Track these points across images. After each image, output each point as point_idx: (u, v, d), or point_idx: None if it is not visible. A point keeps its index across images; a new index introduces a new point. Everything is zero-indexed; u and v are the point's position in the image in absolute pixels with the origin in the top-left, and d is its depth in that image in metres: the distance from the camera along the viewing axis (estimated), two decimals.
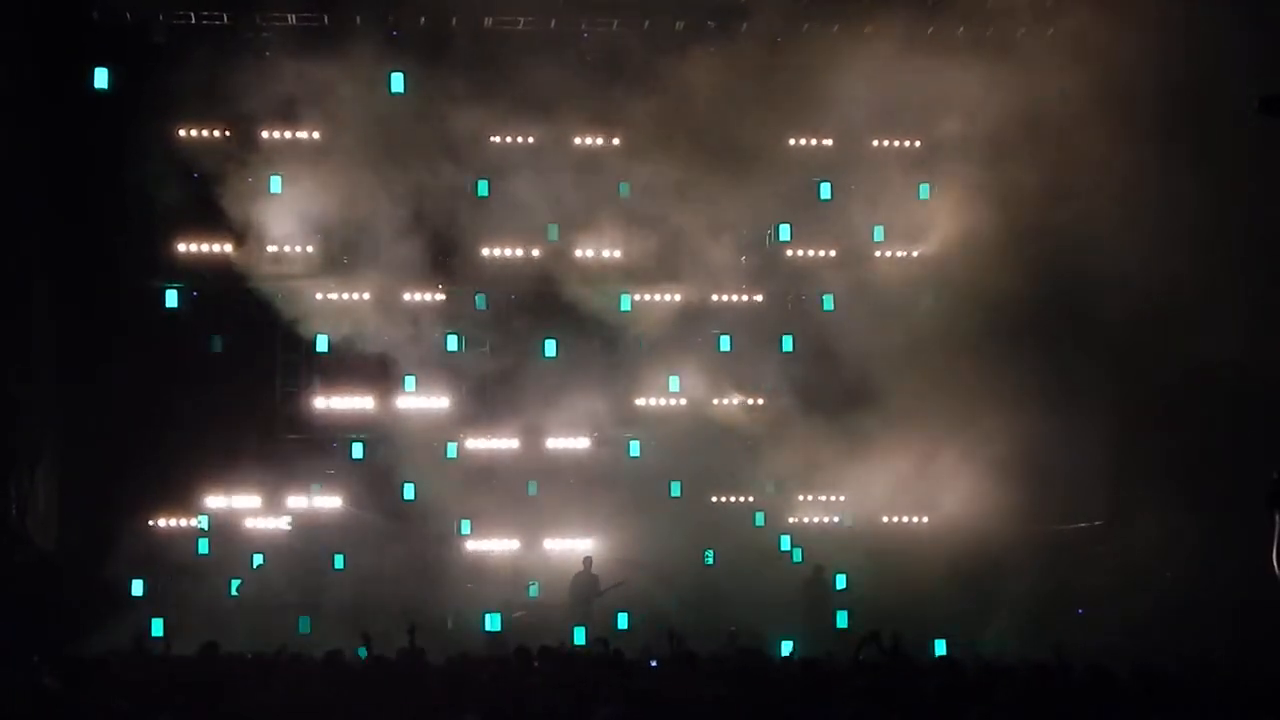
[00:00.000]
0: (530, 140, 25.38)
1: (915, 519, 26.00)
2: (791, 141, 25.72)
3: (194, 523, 25.07)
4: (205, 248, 25.19)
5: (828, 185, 25.74)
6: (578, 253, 25.61)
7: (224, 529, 25.11)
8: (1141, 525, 23.74)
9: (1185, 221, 22.68)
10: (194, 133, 24.84)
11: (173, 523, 25.02)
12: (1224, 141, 22.05)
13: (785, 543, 25.79)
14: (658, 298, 25.96)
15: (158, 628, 22.26)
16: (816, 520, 26.14)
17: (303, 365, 26.01)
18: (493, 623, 24.09)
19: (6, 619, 20.96)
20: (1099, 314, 24.80)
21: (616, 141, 25.40)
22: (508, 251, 25.68)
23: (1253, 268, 23.47)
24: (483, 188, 25.23)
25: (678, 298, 25.95)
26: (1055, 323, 25.19)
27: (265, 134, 24.86)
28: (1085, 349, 25.43)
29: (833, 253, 26.18)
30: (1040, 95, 24.13)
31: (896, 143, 25.96)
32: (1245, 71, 20.71)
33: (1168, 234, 22.50)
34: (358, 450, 25.61)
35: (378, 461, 25.48)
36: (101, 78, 24.31)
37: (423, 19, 24.67)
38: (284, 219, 24.97)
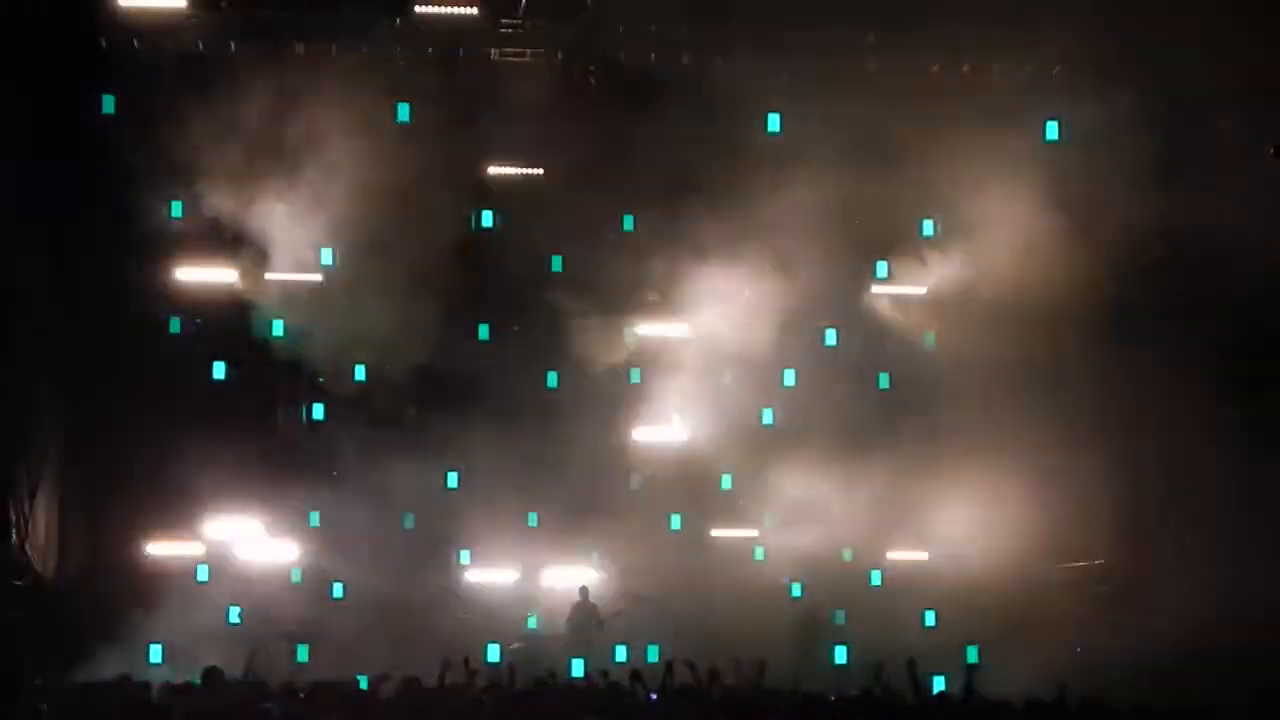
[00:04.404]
0: (536, 171, 25.48)
1: (916, 555, 25.92)
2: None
3: (193, 549, 25.04)
4: (208, 275, 25.25)
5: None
6: (579, 284, 25.65)
7: (223, 556, 25.08)
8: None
9: None
10: (198, 159, 24.86)
11: (172, 549, 24.99)
12: None
13: (789, 583, 25.75)
14: (661, 330, 25.96)
15: (155, 654, 22.24)
16: (817, 555, 26.07)
17: (304, 393, 26.00)
18: (491, 654, 24.06)
19: (5, 646, 20.95)
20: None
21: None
22: (510, 282, 25.70)
23: None
24: (487, 218, 25.36)
25: (681, 330, 25.94)
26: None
27: (270, 162, 24.89)
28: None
29: (837, 287, 26.18)
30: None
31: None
32: None
33: None
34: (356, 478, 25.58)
35: (377, 490, 25.46)
36: (108, 104, 24.39)
37: (429, 49, 24.77)
38: (288, 246, 25.00)
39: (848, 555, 25.79)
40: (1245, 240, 22.97)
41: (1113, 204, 23.98)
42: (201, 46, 24.77)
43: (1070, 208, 24.57)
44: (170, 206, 24.90)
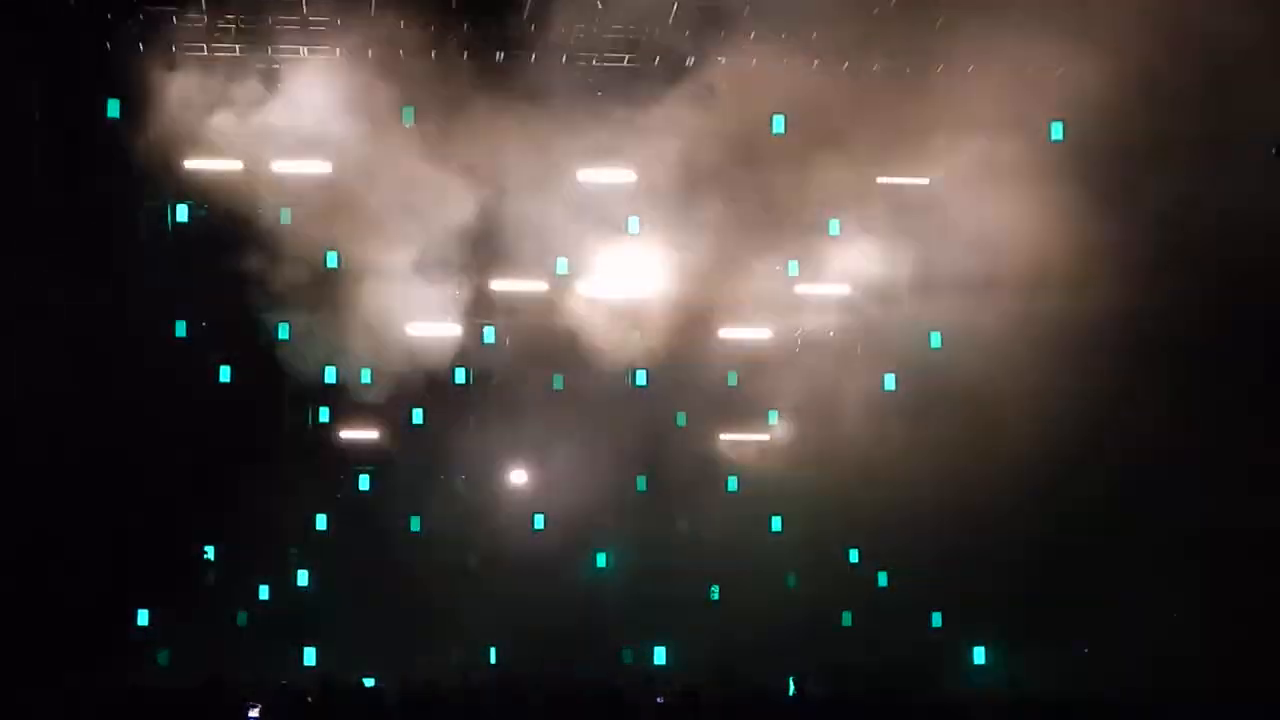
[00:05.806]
0: (540, 173, 25.52)
1: (922, 553, 25.90)
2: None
3: (200, 552, 25.09)
4: (214, 277, 25.29)
5: (835, 222, 25.63)
6: (586, 287, 25.67)
7: (230, 558, 25.13)
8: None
9: None
10: (205, 163, 24.90)
11: (178, 552, 25.03)
12: None
13: (791, 580, 25.76)
14: (665, 332, 25.98)
15: (163, 658, 22.27)
16: (821, 556, 26.08)
17: (311, 396, 26.01)
18: (497, 655, 24.12)
19: (11, 649, 21.05)
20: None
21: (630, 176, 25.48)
22: (516, 285, 25.75)
23: None
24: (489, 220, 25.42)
25: (685, 332, 25.96)
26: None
27: (276, 165, 24.93)
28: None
29: (843, 289, 26.15)
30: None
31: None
32: None
33: None
34: (364, 482, 25.63)
35: (384, 493, 25.50)
36: (114, 108, 24.43)
37: (433, 53, 24.80)
38: (293, 250, 25.04)
39: (855, 557, 25.81)
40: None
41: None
42: (206, 50, 24.81)
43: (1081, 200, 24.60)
44: (173, 209, 24.99)
